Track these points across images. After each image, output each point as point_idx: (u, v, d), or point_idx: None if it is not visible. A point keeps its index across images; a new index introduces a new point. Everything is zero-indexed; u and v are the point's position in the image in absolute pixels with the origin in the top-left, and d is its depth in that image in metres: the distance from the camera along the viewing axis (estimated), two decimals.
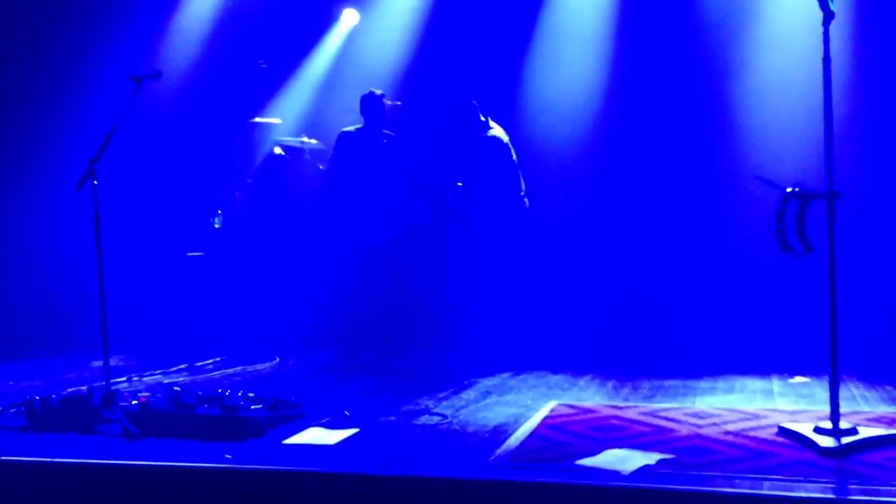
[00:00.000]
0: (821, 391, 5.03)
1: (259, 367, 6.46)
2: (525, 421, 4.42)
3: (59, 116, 8.11)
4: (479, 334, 6.49)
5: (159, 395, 4.54)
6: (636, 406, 4.75)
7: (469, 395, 5.19)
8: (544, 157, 7.15)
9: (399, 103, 7.03)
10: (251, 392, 4.59)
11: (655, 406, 4.73)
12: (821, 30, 3.79)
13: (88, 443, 4.18)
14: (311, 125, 7.61)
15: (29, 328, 7.65)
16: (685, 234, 6.95)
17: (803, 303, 6.17)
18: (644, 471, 3.44)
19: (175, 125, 7.91)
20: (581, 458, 3.66)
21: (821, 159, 3.80)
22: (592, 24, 7.31)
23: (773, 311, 6.57)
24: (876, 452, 3.63)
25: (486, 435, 4.15)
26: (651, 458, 3.61)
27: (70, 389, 4.74)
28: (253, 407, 4.30)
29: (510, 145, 6.60)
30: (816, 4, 3.78)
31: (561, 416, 4.53)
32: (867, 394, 4.96)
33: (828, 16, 3.78)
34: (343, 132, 6.73)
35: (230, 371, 6.30)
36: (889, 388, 5.12)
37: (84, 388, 4.71)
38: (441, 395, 5.15)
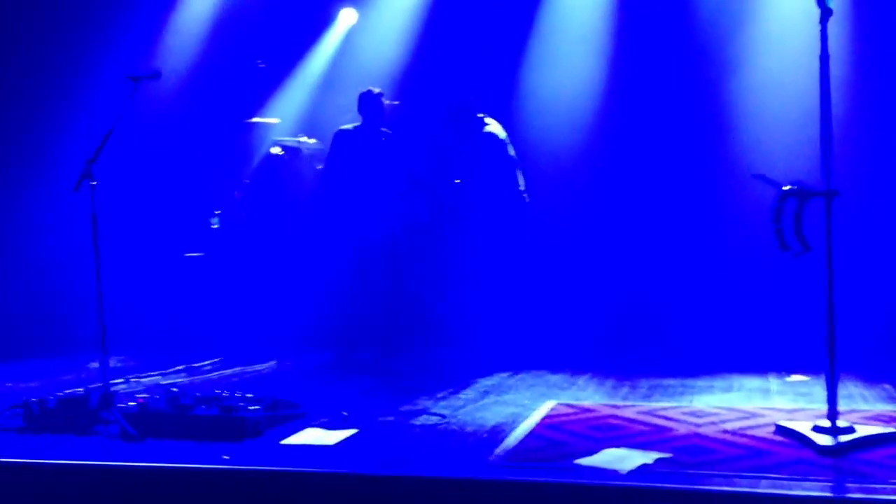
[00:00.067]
0: (819, 390, 4.95)
1: (257, 367, 6.45)
2: (523, 420, 4.42)
3: (58, 116, 8.09)
4: (478, 334, 6.50)
5: (157, 396, 4.53)
6: (634, 405, 4.75)
7: (468, 394, 5.19)
8: (542, 156, 7.14)
9: (397, 103, 7.03)
10: (249, 392, 4.58)
11: (654, 405, 4.73)
12: (819, 27, 3.79)
13: (86, 444, 4.17)
14: (309, 125, 7.60)
15: (27, 328, 7.62)
16: (683, 232, 6.95)
17: (801, 301, 6.12)
18: (642, 470, 3.44)
19: (173, 125, 7.90)
20: (579, 457, 3.65)
21: (819, 157, 3.80)
22: (590, 23, 7.32)
23: (770, 310, 6.56)
24: (874, 451, 3.63)
25: (485, 434, 4.15)
26: (649, 457, 3.61)
27: (68, 390, 4.71)
28: (251, 407, 4.29)
29: (507, 141, 6.60)
30: (814, 2, 3.78)
31: (559, 415, 4.53)
32: (865, 392, 4.96)
33: (825, 13, 3.78)
34: (340, 130, 6.71)
35: (228, 372, 6.30)
36: (887, 386, 5.12)
37: (82, 389, 4.69)
38: (440, 395, 5.15)
